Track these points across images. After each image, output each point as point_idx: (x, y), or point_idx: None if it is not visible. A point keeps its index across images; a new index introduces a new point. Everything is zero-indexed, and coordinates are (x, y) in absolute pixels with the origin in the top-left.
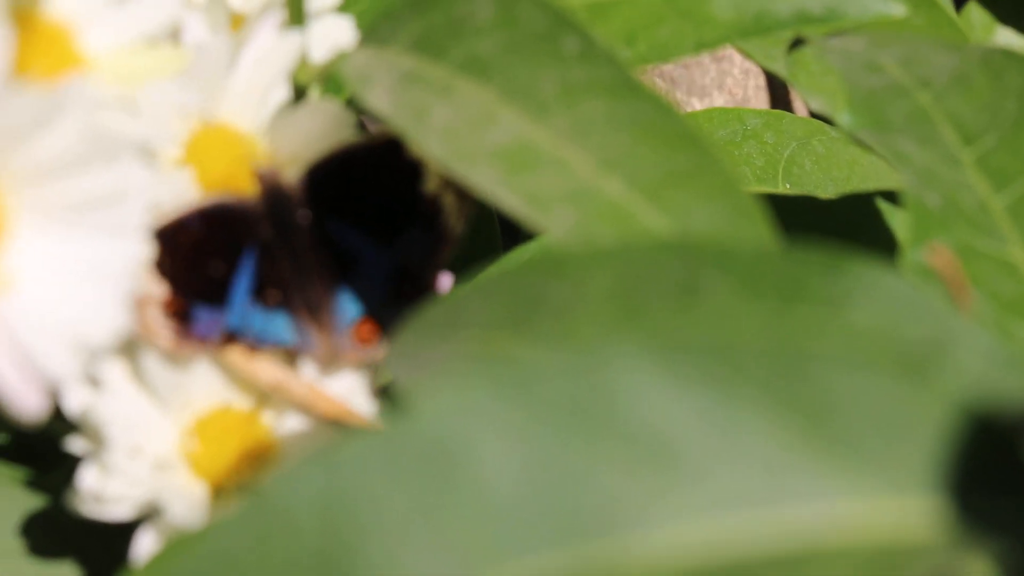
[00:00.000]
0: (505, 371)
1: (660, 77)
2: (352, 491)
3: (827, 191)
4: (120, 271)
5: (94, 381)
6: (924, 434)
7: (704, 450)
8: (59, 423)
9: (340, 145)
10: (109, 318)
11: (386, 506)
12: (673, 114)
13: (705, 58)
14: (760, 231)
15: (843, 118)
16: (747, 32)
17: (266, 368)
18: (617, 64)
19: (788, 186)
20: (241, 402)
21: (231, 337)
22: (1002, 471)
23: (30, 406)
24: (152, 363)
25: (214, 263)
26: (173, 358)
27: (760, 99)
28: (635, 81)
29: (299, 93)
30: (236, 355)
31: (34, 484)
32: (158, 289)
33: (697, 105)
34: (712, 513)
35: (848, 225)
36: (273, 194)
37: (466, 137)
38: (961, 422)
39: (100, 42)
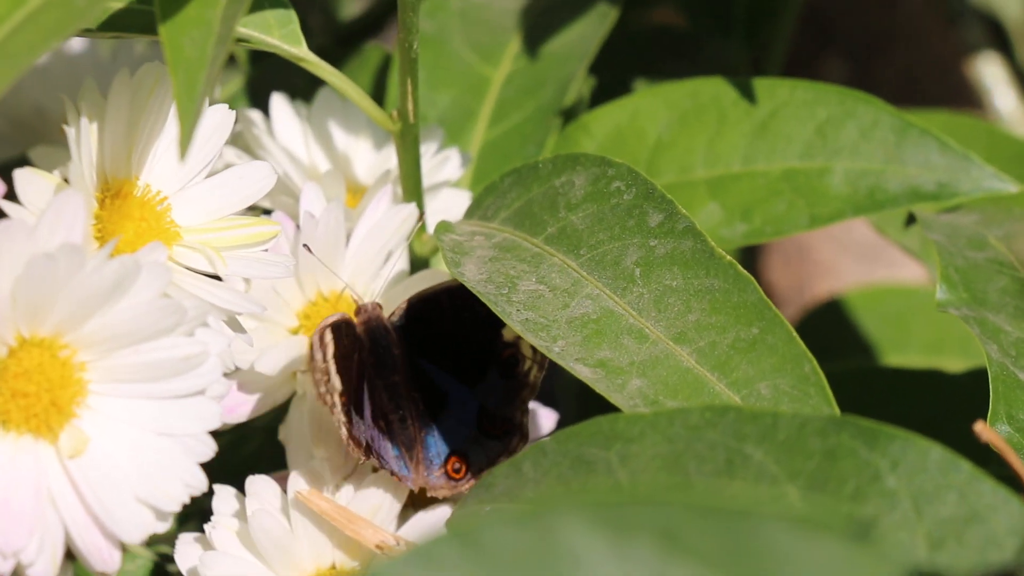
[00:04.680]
0: (466, 531)
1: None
2: None
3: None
4: (194, 434)
5: (205, 542)
6: None
7: None
8: None
9: (430, 288)
10: (183, 479)
11: None
12: (746, 286)
13: None
14: (822, 403)
15: (937, 293)
16: (861, 208)
17: (370, 529)
18: (697, 236)
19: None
20: (347, 562)
21: (368, 450)
22: None
23: (104, 564)
24: (259, 525)
25: (354, 374)
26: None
27: None
28: (713, 253)
29: (418, 263)
30: (341, 516)
31: None
32: (337, 381)
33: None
34: None
35: (978, 400)
36: (373, 328)
37: (549, 306)
38: None
39: (190, 213)
